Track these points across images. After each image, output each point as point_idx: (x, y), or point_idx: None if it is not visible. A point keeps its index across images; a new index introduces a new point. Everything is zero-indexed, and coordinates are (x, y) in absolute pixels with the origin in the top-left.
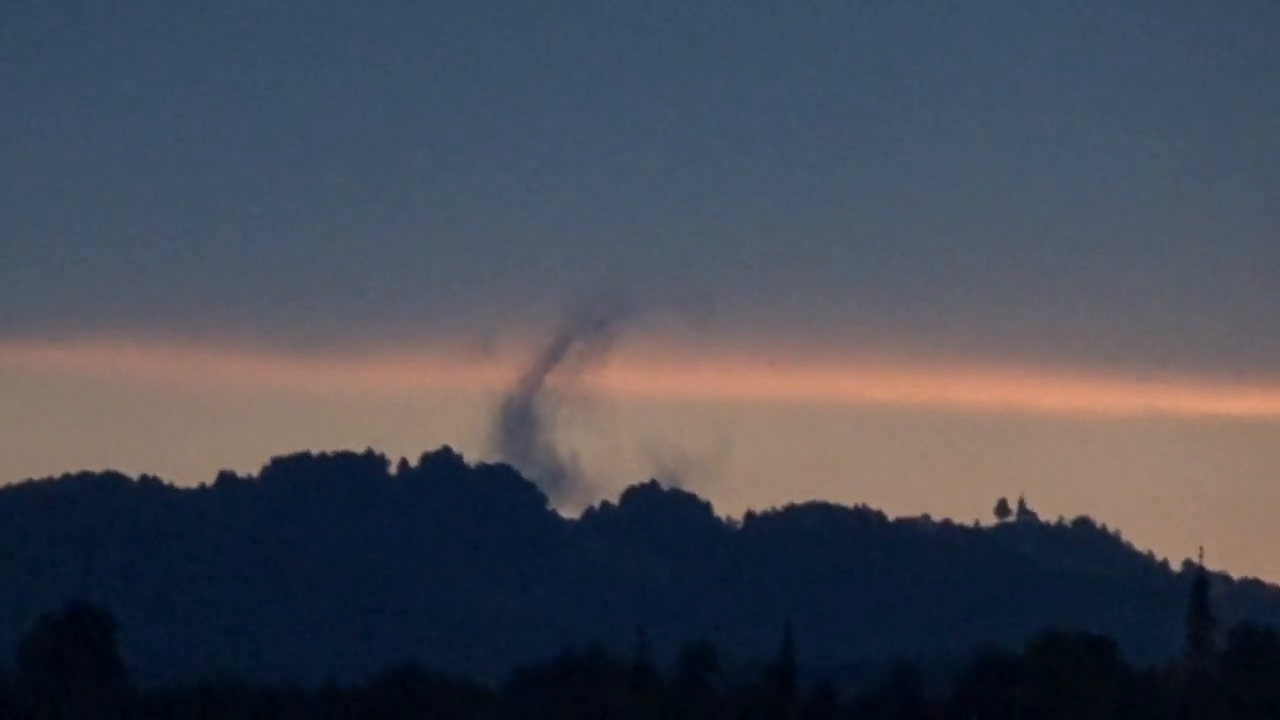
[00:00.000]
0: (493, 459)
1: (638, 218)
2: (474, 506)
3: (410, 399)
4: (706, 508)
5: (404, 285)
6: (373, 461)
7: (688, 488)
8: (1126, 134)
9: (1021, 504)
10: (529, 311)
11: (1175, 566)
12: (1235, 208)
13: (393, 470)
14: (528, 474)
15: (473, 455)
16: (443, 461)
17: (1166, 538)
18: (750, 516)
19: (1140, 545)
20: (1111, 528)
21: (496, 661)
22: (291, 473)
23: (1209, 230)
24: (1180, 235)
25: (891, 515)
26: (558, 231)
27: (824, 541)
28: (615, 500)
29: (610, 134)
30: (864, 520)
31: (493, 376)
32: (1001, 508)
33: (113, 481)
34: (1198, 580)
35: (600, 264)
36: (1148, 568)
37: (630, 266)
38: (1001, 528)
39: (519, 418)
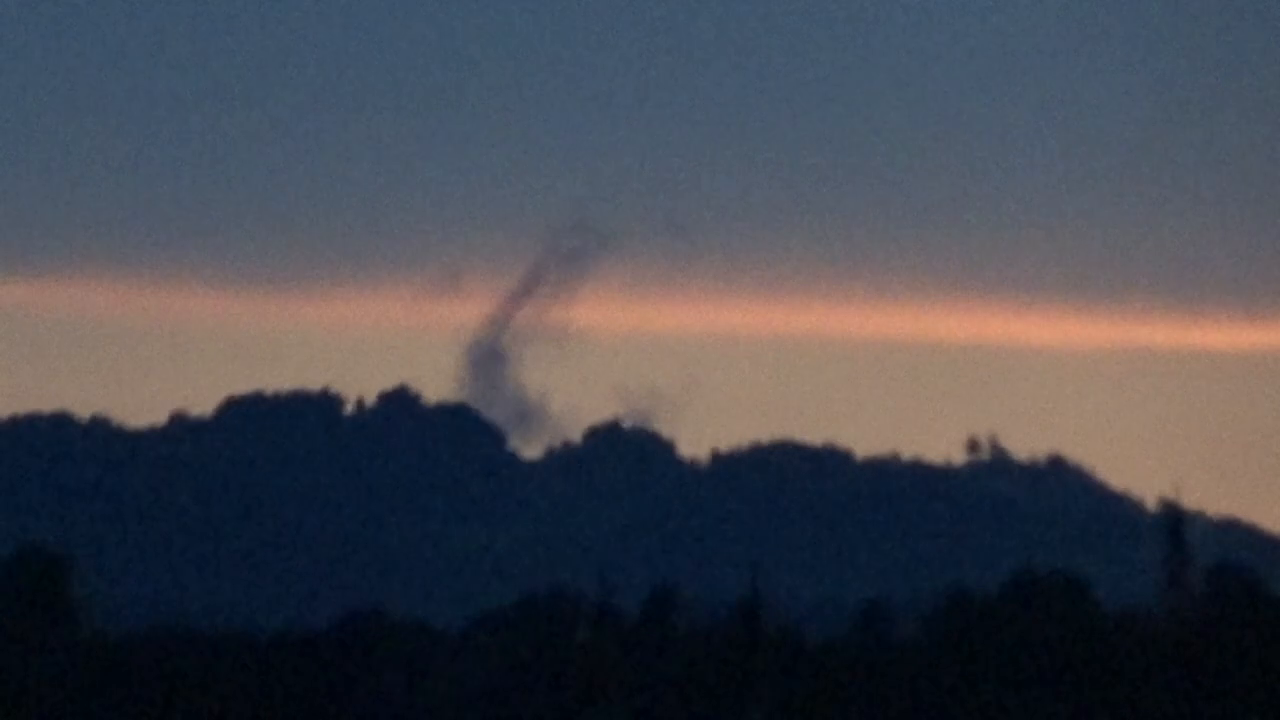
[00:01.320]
0: (455, 399)
1: (612, 146)
2: (430, 447)
3: (371, 337)
4: (670, 447)
5: (367, 218)
6: (328, 401)
7: (654, 426)
8: (1100, 62)
9: (993, 441)
10: (499, 244)
11: (1150, 505)
12: (1211, 134)
13: (348, 409)
14: (493, 415)
15: (433, 395)
16: (399, 401)
17: (1142, 475)
18: (715, 455)
19: (1115, 483)
20: (1085, 465)
21: (457, 604)
22: (245, 412)
23: (1184, 158)
24: (1155, 163)
25: (860, 453)
26: (529, 161)
27: (790, 481)
28: (578, 440)
29: (582, 57)
30: (831, 459)
31: (460, 313)
32: (973, 445)
33: (62, 421)
34: (1173, 518)
35: (573, 194)
36: (1122, 506)
37: (604, 196)
38: (973, 465)
39: (485, 356)
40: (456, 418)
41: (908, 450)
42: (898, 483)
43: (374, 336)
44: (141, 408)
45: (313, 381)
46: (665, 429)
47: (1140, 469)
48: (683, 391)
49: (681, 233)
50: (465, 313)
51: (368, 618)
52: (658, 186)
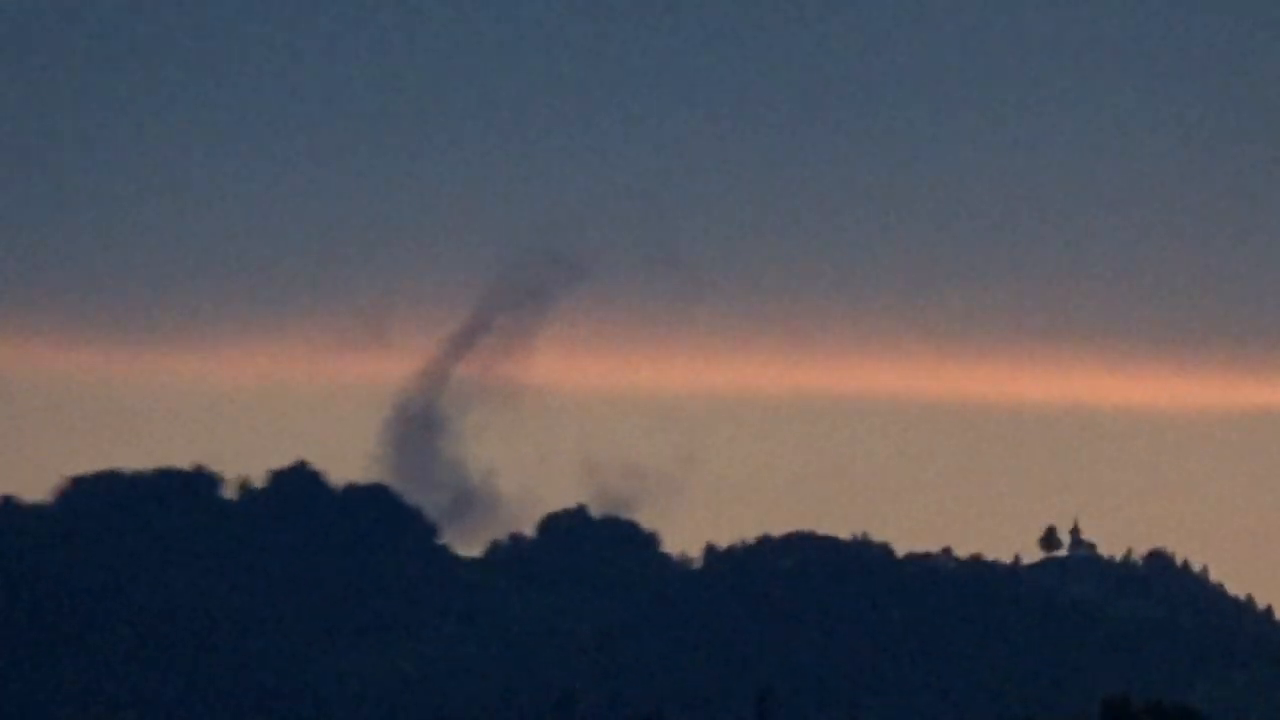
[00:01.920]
0: (370, 479)
1: (581, 153)
2: (335, 541)
3: (260, 401)
4: (651, 540)
5: (258, 248)
6: (202, 481)
7: (633, 513)
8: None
9: (1075, 533)
10: (433, 280)
11: None
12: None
13: (228, 493)
14: (421, 499)
15: (341, 474)
16: (295, 481)
17: (1268, 577)
18: (711, 551)
19: (1233, 587)
20: (1195, 564)
21: None
22: (92, 495)
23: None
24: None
25: (901, 549)
26: (474, 174)
27: (810, 585)
28: (531, 532)
29: (547, 55)
30: (864, 555)
31: (380, 369)
32: (1049, 538)
33: None
34: None
35: (531, 215)
36: (1243, 616)
37: (572, 217)
38: (1048, 563)
39: (414, 424)
40: (372, 503)
41: (963, 545)
42: (951, 587)
43: (263, 401)
44: None
45: (181, 458)
46: (647, 518)
47: (1266, 570)
48: (671, 469)
49: (671, 263)
50: (387, 369)
51: None
52: (641, 203)
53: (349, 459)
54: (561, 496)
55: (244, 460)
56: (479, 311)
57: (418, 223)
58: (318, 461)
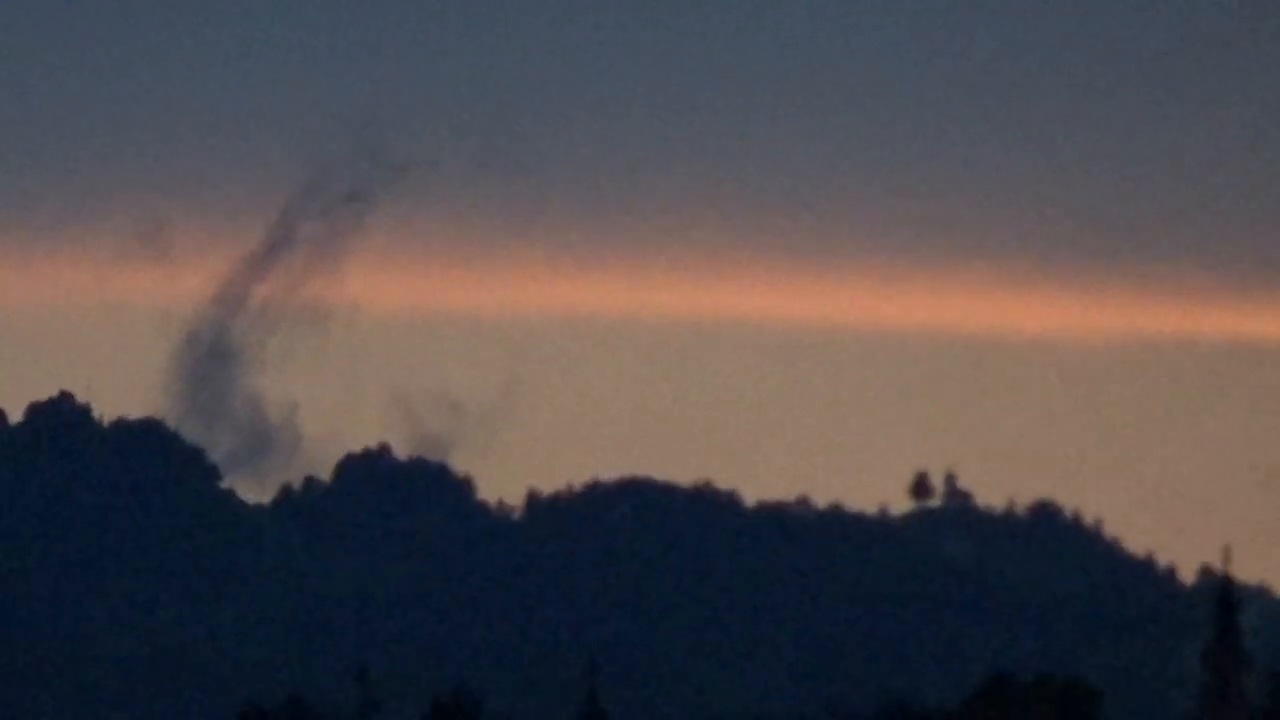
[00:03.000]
0: (143, 414)
1: (408, 37)
2: (104, 482)
3: (19, 323)
4: (463, 486)
5: (20, 146)
6: None
7: (445, 454)
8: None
9: (950, 481)
10: (229, 182)
11: (1186, 575)
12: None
13: None
14: (202, 437)
15: (111, 408)
16: (57, 415)
17: (1170, 533)
18: (534, 500)
19: (1132, 544)
20: (1087, 516)
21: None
22: None
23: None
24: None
25: (751, 498)
26: (275, 57)
27: (645, 539)
28: (326, 477)
29: None
30: (707, 505)
31: (163, 288)
32: (920, 486)
33: None
34: (1221, 597)
35: (345, 105)
36: (1143, 577)
37: (394, 110)
38: (919, 515)
39: (200, 352)
40: (141, 440)
41: (821, 493)
42: (806, 542)
43: (22, 324)
44: None
45: None
46: (462, 459)
47: (1168, 524)
48: (495, 404)
49: (504, 161)
50: (170, 287)
51: None
52: (472, 93)
53: (123, 391)
54: (365, 435)
55: None
56: (281, 222)
57: (209, 118)
58: (83, 394)
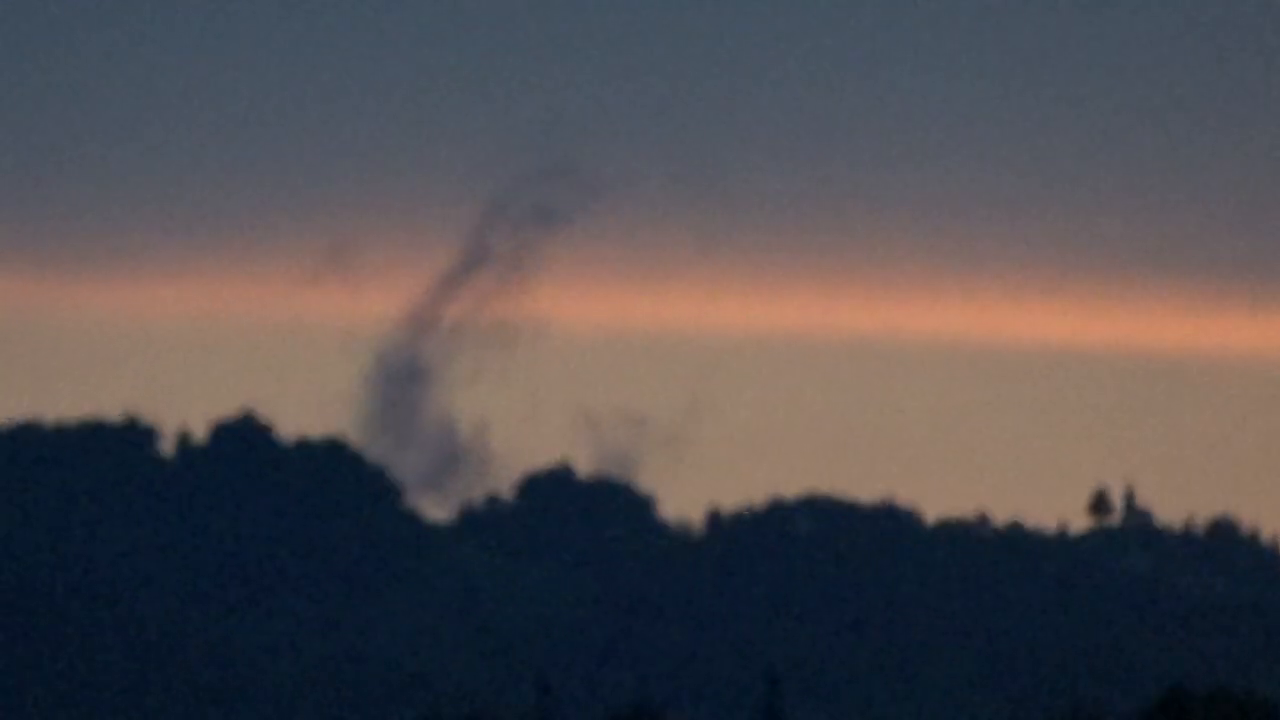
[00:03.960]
0: (327, 431)
1: (594, 56)
2: (284, 502)
3: (204, 341)
4: (646, 504)
5: (201, 165)
6: (135, 434)
7: (628, 472)
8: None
9: (1129, 497)
10: (414, 206)
11: None
12: None
13: (166, 448)
14: (388, 456)
15: (293, 426)
16: (240, 435)
17: None
18: (714, 518)
19: None
20: (1265, 532)
21: None
22: (7, 450)
23: None
24: None
25: (931, 515)
26: (466, 79)
27: (826, 557)
28: (508, 494)
29: None
30: (888, 523)
31: (348, 308)
32: (1099, 503)
33: None
34: None
35: (535, 129)
36: None
37: (585, 130)
38: (1098, 533)
39: (388, 371)
40: (326, 459)
41: (1001, 510)
42: (987, 558)
43: (207, 342)
44: None
45: (111, 406)
46: (644, 478)
47: None
48: (681, 421)
49: (694, 184)
50: (357, 308)
51: None
52: (664, 112)
53: (306, 409)
54: (549, 453)
55: (182, 410)
56: (471, 245)
57: (397, 141)
58: (266, 411)
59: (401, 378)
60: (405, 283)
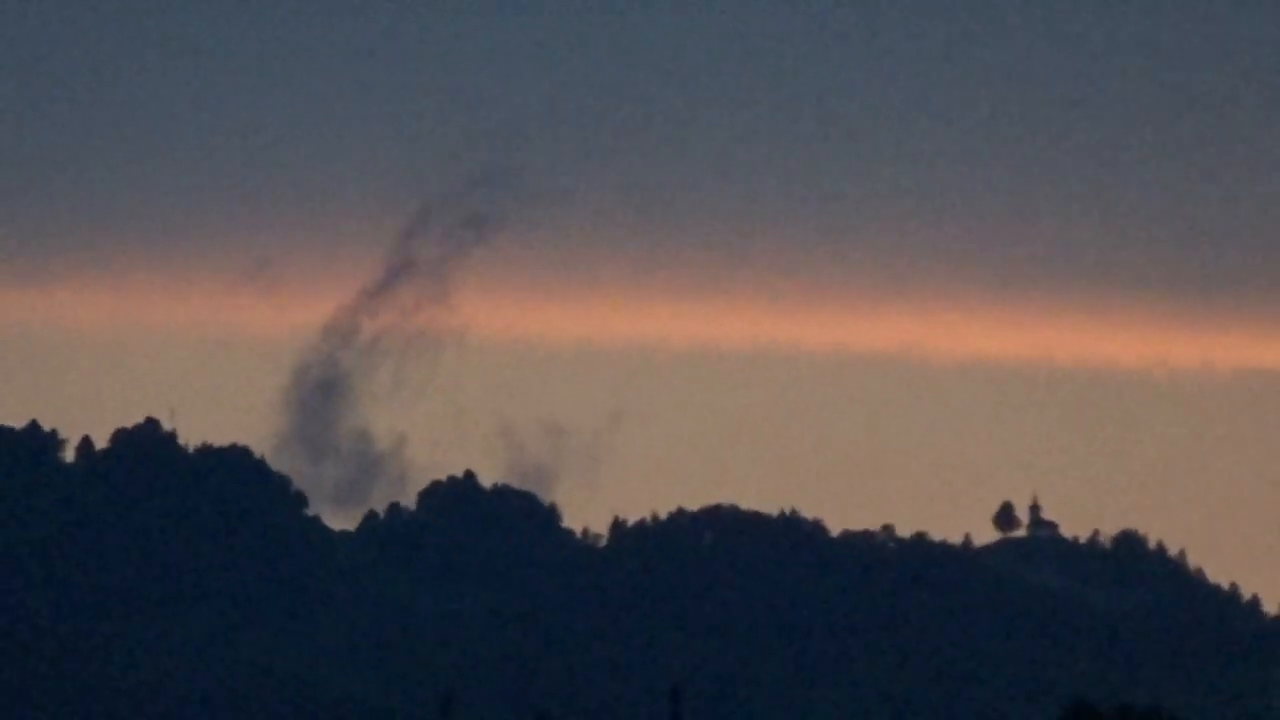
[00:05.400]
0: (227, 440)
1: (521, 66)
2: (187, 511)
3: (110, 351)
4: (549, 514)
5: (123, 176)
6: (39, 442)
7: (532, 483)
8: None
9: (1035, 510)
10: (340, 215)
11: (1270, 606)
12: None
13: (67, 455)
14: (292, 466)
15: (195, 434)
16: (142, 442)
17: (1254, 564)
18: (618, 528)
19: (1216, 575)
20: (1171, 547)
21: None
22: None
23: None
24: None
25: (835, 527)
26: (388, 89)
27: (729, 567)
28: (411, 504)
29: None
30: (793, 534)
31: (270, 320)
32: (1005, 516)
33: None
34: None
35: (458, 136)
36: (1226, 607)
37: (509, 139)
38: (1004, 545)
39: (309, 382)
40: (225, 466)
41: (907, 523)
42: (892, 570)
43: (111, 351)
44: None
45: (17, 415)
46: (548, 488)
47: (1254, 556)
48: (593, 433)
49: (618, 198)
50: (279, 319)
51: None
52: (591, 126)
53: (211, 417)
54: (453, 463)
55: (86, 420)
56: (394, 255)
57: (319, 153)
58: (168, 420)
59: (320, 389)
60: (328, 294)
